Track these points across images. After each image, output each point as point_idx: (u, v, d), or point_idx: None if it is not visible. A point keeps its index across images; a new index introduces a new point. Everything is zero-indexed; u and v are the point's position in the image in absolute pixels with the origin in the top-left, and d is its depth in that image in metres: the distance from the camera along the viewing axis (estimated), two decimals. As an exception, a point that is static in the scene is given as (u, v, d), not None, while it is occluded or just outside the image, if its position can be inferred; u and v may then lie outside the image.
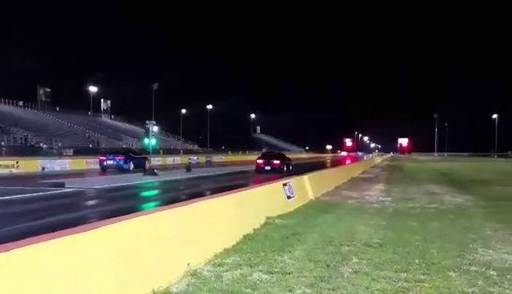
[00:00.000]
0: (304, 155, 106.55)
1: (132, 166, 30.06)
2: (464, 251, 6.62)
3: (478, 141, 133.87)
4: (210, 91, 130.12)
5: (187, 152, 69.37)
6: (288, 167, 29.10)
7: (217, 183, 21.77)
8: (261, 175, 25.25)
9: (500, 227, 8.79)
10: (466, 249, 6.78)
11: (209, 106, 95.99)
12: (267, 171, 27.60)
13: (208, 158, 55.17)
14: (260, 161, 29.17)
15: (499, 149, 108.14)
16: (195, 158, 53.27)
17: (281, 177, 13.90)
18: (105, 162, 29.73)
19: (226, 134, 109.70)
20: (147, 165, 31.80)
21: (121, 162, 29.57)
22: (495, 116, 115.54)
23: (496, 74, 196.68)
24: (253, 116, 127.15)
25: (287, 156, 32.18)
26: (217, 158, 58.21)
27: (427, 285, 4.98)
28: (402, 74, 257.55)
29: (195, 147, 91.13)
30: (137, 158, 32.10)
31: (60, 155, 40.50)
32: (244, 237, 7.25)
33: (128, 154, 31.61)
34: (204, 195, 8.78)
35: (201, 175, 27.23)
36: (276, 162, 28.59)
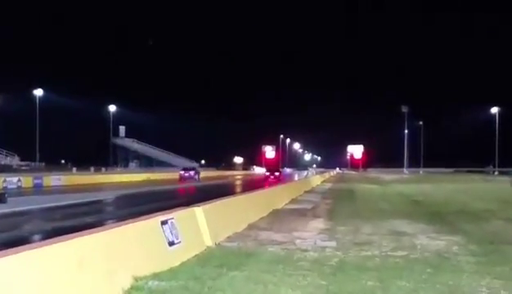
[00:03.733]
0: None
1: (197, 177, 78.17)
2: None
3: (470, 149, 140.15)
4: (40, 67, 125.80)
5: (1, 169, 67.03)
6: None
7: (48, 222, 21.23)
8: (127, 208, 24.97)
9: (502, 286, 9.20)
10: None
11: (39, 91, 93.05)
12: (273, 179, 75.94)
13: (38, 180, 54.06)
14: (268, 173, 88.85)
15: (501, 161, 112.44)
16: (15, 179, 51.56)
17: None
18: (183, 175, 77.72)
19: (68, 140, 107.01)
20: (197, 176, 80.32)
21: (193, 175, 78.30)
22: (494, 110, 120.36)
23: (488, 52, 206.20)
24: (113, 109, 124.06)
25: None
26: (53, 180, 56.80)
27: None
28: (352, 49, 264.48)
29: (15, 161, 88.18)
30: (199, 172, 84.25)
31: None
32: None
33: (195, 169, 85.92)
34: (24, 243, 8.41)
35: (23, 208, 26.37)
36: (277, 173, 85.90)
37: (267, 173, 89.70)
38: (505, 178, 68.27)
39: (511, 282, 9.44)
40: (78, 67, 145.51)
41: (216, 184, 69.42)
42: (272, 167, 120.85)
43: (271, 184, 46.68)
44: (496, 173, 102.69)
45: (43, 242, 7.45)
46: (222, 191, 43.76)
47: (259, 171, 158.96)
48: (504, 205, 28.58)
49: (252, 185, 53.90)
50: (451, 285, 9.24)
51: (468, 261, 11.61)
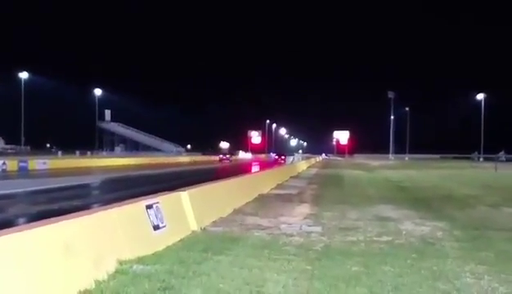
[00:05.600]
0: (185, 158, 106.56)
1: (231, 158, 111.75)
2: (431, 311, 6.89)
3: (456, 136, 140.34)
4: (26, 50, 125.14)
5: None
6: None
7: (33, 205, 21.10)
8: (113, 193, 24.93)
9: (486, 271, 9.25)
10: (434, 307, 7.06)
11: (24, 74, 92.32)
12: (280, 162, 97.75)
13: (23, 164, 53.94)
14: (277, 157, 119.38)
15: (486, 147, 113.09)
16: (0, 162, 51.37)
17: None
18: (222, 157, 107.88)
19: (54, 123, 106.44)
20: (231, 158, 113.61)
21: (228, 157, 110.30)
22: (480, 96, 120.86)
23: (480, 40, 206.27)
24: (99, 92, 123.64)
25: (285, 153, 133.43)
26: (39, 163, 56.60)
27: None
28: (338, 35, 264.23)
29: (1, 144, 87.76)
30: (232, 155, 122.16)
31: None
32: (79, 296, 7.07)
33: (230, 153, 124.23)
34: (9, 226, 8.36)
35: (8, 191, 26.27)
36: (283, 157, 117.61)
37: (276, 157, 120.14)
38: (491, 164, 68.57)
39: (495, 267, 9.48)
40: (64, 50, 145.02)
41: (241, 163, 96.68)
42: (278, 153, 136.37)
43: (280, 164, 72.77)
44: (482, 159, 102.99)
45: (28, 226, 7.36)
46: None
47: (243, 156, 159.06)
48: (489, 191, 28.85)
49: (262, 165, 79.24)
50: (435, 270, 9.27)
51: (452, 247, 11.68)
